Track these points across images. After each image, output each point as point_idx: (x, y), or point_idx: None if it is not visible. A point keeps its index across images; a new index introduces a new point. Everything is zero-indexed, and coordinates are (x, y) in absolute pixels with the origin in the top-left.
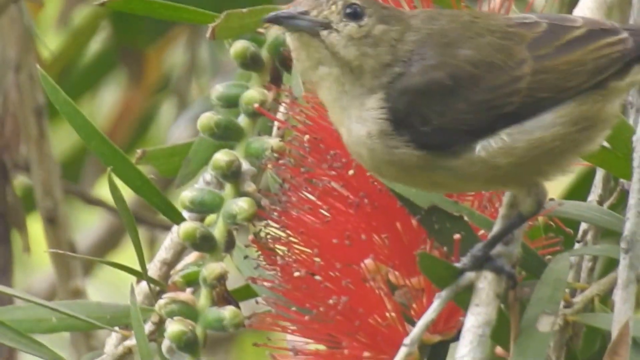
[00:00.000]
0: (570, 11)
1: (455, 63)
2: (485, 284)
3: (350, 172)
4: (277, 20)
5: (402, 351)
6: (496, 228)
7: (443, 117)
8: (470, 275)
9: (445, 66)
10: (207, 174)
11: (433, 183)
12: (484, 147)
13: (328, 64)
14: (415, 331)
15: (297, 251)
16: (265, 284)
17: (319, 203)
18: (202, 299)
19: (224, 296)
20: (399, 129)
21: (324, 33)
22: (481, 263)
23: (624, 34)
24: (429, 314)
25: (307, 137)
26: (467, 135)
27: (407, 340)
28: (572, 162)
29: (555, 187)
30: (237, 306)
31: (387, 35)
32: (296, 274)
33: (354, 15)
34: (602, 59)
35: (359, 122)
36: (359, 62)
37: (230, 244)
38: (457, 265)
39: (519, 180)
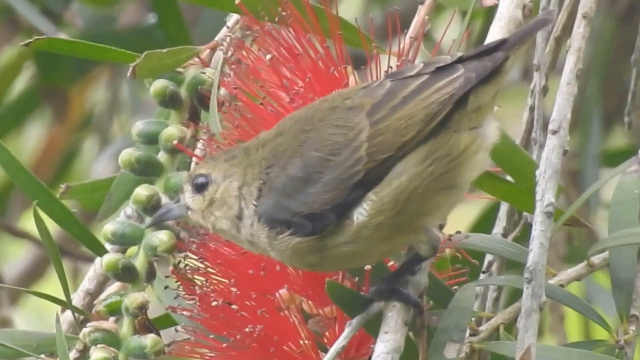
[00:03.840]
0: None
1: (303, 154)
2: (394, 312)
3: None
4: (156, 221)
5: None
6: (404, 259)
7: (307, 205)
8: (379, 303)
9: (296, 159)
10: (128, 208)
11: (343, 257)
12: (360, 213)
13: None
14: (328, 357)
15: (214, 281)
16: (185, 313)
17: None
18: (125, 328)
19: (145, 325)
20: (279, 228)
21: (188, 213)
22: (387, 295)
23: (457, 72)
24: (340, 341)
25: None
26: (335, 211)
27: None
28: (448, 196)
29: (462, 220)
30: (158, 334)
31: (230, 188)
32: (214, 303)
33: (200, 187)
34: (432, 105)
35: (256, 240)
36: (216, 225)
37: (151, 275)
38: (366, 295)
39: (409, 229)
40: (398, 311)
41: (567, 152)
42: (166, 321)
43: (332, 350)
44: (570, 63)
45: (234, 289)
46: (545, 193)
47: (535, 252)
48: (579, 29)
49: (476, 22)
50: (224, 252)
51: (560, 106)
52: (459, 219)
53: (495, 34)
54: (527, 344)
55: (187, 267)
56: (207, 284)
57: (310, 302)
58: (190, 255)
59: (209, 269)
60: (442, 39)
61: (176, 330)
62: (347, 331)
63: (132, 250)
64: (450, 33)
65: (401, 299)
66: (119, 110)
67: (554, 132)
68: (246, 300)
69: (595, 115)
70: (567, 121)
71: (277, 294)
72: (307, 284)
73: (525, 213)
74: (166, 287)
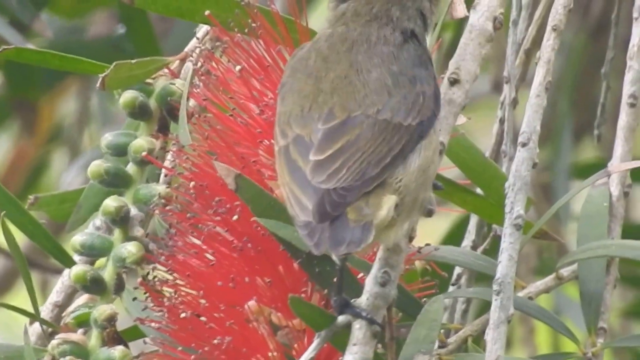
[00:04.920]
0: (448, 61)
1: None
2: (362, 324)
3: (235, 217)
4: None
5: None
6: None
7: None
8: (348, 316)
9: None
10: (97, 220)
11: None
12: None
13: None
14: None
15: (183, 293)
16: (153, 324)
17: (204, 247)
18: (93, 340)
19: (114, 337)
20: None
21: None
22: (341, 309)
23: None
24: (309, 353)
25: (192, 183)
26: None
27: None
28: None
29: (432, 233)
30: (127, 346)
31: None
32: (182, 315)
33: None
34: None
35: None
36: None
37: (119, 287)
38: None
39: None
40: (366, 323)
41: (536, 165)
42: (135, 333)
43: None
44: (540, 75)
45: (202, 301)
46: (514, 205)
47: (504, 264)
48: (549, 41)
49: (446, 34)
50: (193, 263)
51: (530, 118)
52: (429, 231)
53: (465, 46)
54: (495, 356)
55: (156, 279)
56: (176, 296)
57: (279, 314)
58: (159, 266)
59: (177, 281)
60: None
61: (145, 342)
62: (315, 343)
63: (100, 261)
64: None
65: (353, 314)
66: (88, 122)
67: (524, 145)
68: (215, 312)
69: (565, 128)
70: (537, 133)
71: (245, 306)
72: (276, 296)
73: (494, 226)
74: (134, 299)
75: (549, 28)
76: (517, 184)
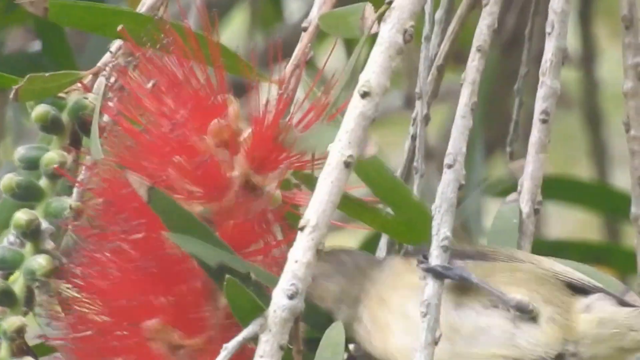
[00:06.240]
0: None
1: None
2: (270, 336)
3: (140, 235)
4: None
5: None
6: None
7: None
8: (254, 327)
9: None
10: (11, 235)
11: None
12: None
13: None
14: None
15: (87, 310)
16: (58, 341)
17: (109, 264)
18: (3, 351)
19: (23, 349)
20: None
21: None
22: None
23: None
24: None
25: (100, 199)
26: None
27: None
28: None
29: None
30: (36, 358)
31: None
32: (87, 332)
33: None
34: None
35: None
36: None
37: (29, 299)
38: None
39: None
40: (274, 335)
41: (462, 187)
42: (46, 349)
43: None
44: (465, 96)
45: (106, 318)
46: (441, 227)
47: (431, 285)
48: (473, 62)
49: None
50: (97, 280)
51: (456, 140)
52: None
53: (376, 58)
54: None
55: (62, 294)
56: (80, 312)
57: (180, 332)
58: (66, 283)
59: (82, 297)
60: (325, 67)
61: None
62: (222, 355)
63: (15, 275)
64: (333, 61)
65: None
66: (3, 136)
67: (450, 166)
68: (117, 330)
69: (478, 145)
70: (463, 155)
71: (148, 324)
72: (178, 315)
73: (405, 245)
74: (36, 315)
75: (473, 49)
76: (443, 205)
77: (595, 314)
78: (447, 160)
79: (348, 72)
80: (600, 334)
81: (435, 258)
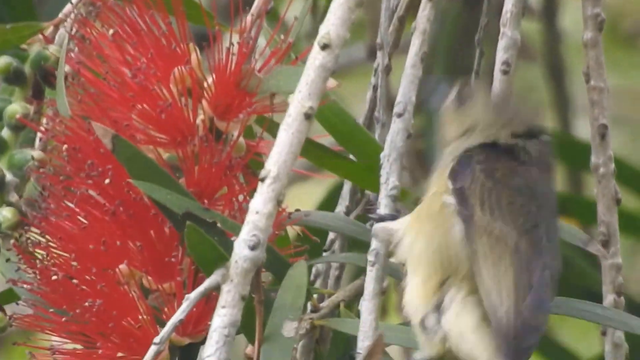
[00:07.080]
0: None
1: None
2: (232, 286)
3: (107, 180)
4: None
5: (152, 350)
6: None
7: None
8: (217, 277)
9: None
10: None
11: None
12: None
13: None
14: (165, 330)
15: (55, 255)
16: (25, 286)
17: (77, 210)
18: None
19: None
20: None
21: None
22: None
23: None
24: (178, 315)
25: (65, 147)
26: None
27: (156, 339)
28: None
29: (307, 199)
30: (3, 310)
31: None
32: (54, 277)
33: None
34: None
35: None
36: None
37: None
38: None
39: None
40: (235, 285)
41: (411, 136)
42: (9, 296)
43: (170, 323)
44: (415, 46)
45: (74, 263)
46: (390, 176)
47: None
48: (424, 11)
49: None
50: (65, 226)
51: (405, 89)
52: (304, 198)
53: (335, 10)
54: (370, 328)
55: (29, 241)
56: (48, 258)
57: (149, 278)
58: (32, 229)
59: (49, 243)
60: (285, 16)
61: (17, 304)
62: (184, 305)
63: None
64: (293, 10)
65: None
66: None
67: (399, 115)
68: (86, 275)
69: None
70: (412, 104)
71: (117, 269)
72: (147, 260)
73: (367, 192)
74: (7, 260)
75: None
76: (392, 154)
77: None
78: (396, 109)
79: (303, 16)
80: None
81: (384, 207)
